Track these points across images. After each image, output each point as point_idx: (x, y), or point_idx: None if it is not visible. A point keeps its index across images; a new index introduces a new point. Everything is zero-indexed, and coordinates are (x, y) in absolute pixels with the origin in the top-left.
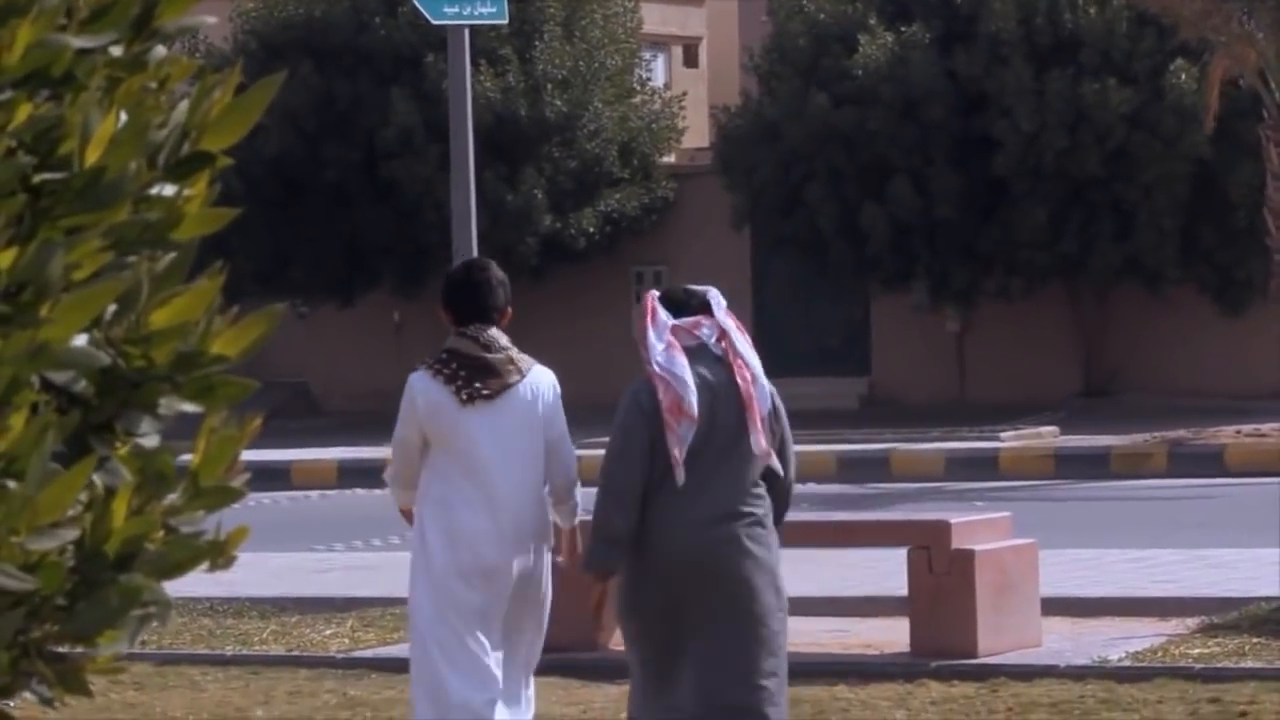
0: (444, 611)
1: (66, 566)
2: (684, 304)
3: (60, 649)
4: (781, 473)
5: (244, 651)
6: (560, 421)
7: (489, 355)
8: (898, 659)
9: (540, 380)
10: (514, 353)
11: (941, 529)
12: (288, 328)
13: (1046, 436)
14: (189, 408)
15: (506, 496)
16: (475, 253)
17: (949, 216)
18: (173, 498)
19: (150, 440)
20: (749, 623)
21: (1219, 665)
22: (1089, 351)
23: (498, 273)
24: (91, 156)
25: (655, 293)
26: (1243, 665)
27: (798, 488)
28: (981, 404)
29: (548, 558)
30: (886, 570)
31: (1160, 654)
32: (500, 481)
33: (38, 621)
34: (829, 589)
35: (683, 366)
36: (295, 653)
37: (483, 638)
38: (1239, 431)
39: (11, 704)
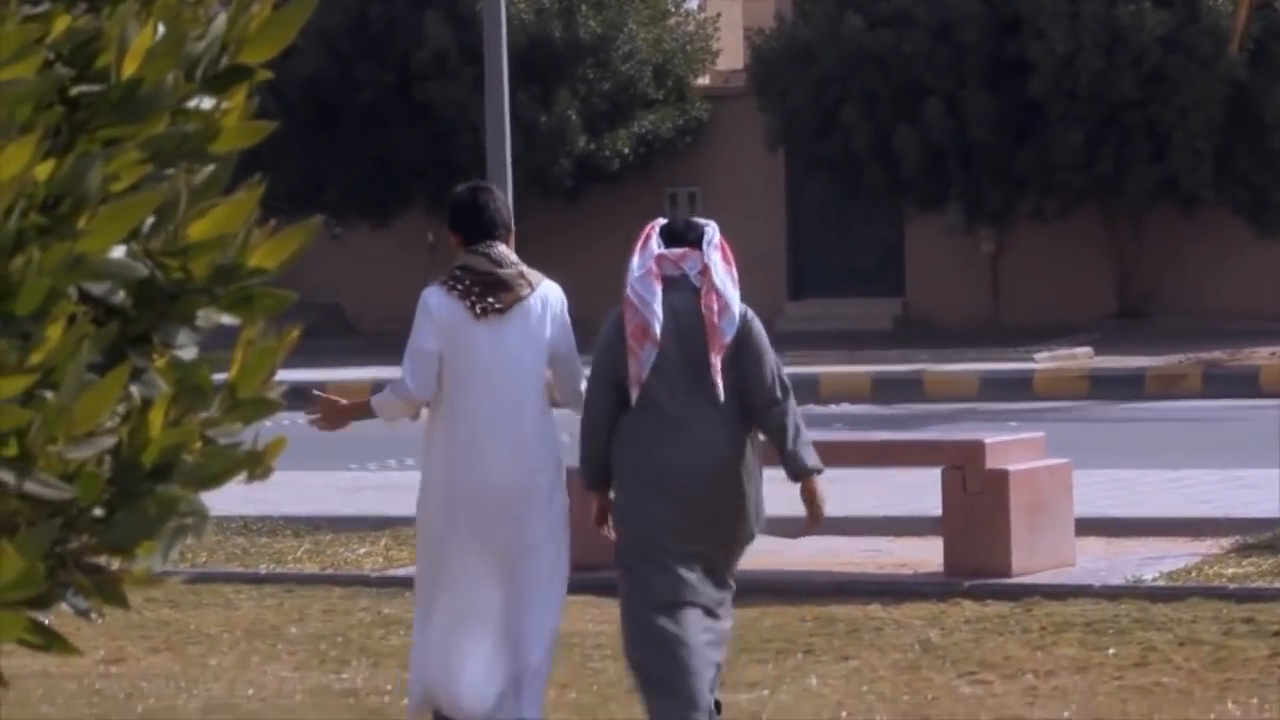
0: (453, 518)
1: (104, 477)
2: (682, 236)
3: (97, 560)
4: (751, 396)
5: (278, 570)
6: (568, 337)
7: (500, 271)
8: (932, 578)
9: (549, 294)
10: (523, 268)
11: (976, 449)
12: (322, 249)
13: (1081, 358)
14: (226, 320)
15: (516, 406)
16: (510, 174)
17: (983, 139)
18: (210, 410)
19: (188, 352)
20: (720, 527)
21: (1253, 585)
22: (1123, 273)
23: (500, 193)
24: (129, 69)
25: (659, 221)
26: (1277, 585)
27: (831, 408)
28: (1016, 325)
29: (560, 470)
30: (921, 490)
31: (1194, 574)
32: (510, 392)
33: (75, 532)
34: (863, 509)
35: (654, 294)
36: (329, 571)
37: (484, 547)
38: (1274, 353)
39: (49, 615)
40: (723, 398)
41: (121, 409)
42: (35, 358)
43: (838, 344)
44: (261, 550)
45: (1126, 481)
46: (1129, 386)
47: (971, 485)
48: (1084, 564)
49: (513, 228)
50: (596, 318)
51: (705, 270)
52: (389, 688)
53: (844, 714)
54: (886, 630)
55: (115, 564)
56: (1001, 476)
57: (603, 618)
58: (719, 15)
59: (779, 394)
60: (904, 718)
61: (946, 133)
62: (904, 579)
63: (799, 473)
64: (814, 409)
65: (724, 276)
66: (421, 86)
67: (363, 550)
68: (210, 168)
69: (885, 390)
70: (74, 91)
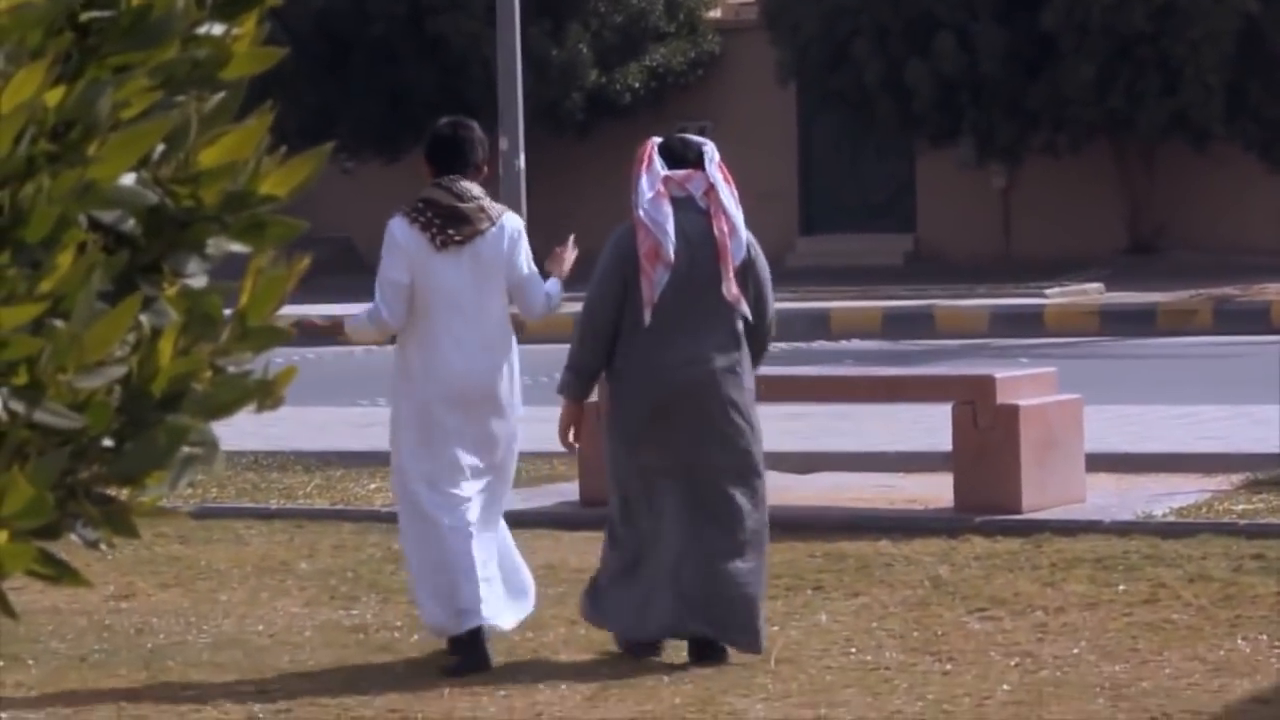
0: (427, 434)
1: (113, 406)
2: (681, 156)
3: (107, 491)
4: (752, 319)
5: (288, 505)
6: (528, 260)
7: (461, 204)
8: (942, 514)
9: (509, 224)
10: (485, 201)
11: (986, 384)
12: (332, 183)
13: (1092, 293)
14: (237, 248)
15: (477, 333)
16: (521, 108)
17: (995, 73)
18: (220, 339)
19: (198, 281)
20: (720, 459)
21: (1263, 521)
22: (1135, 208)
23: (480, 133)
24: None
25: (655, 140)
26: None
27: (842, 343)
28: (1027, 260)
29: (517, 387)
30: (931, 426)
31: (1204, 510)
32: (471, 319)
33: (84, 462)
34: (874, 444)
35: (666, 215)
36: (339, 506)
37: (460, 459)
38: None
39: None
40: (745, 311)
41: (131, 338)
42: (45, 286)
43: (849, 279)
44: (272, 485)
45: (1137, 417)
46: (1140, 322)
47: (982, 421)
48: (1094, 500)
49: (484, 168)
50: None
51: (711, 190)
52: (399, 623)
53: (853, 650)
54: (896, 566)
55: (124, 494)
56: (1012, 412)
57: None
58: None
59: (773, 320)
60: (913, 654)
61: (958, 67)
62: (914, 515)
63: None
64: (825, 344)
65: (729, 197)
66: (433, 20)
67: (373, 486)
68: (221, 95)
69: (896, 325)
70: (84, 17)
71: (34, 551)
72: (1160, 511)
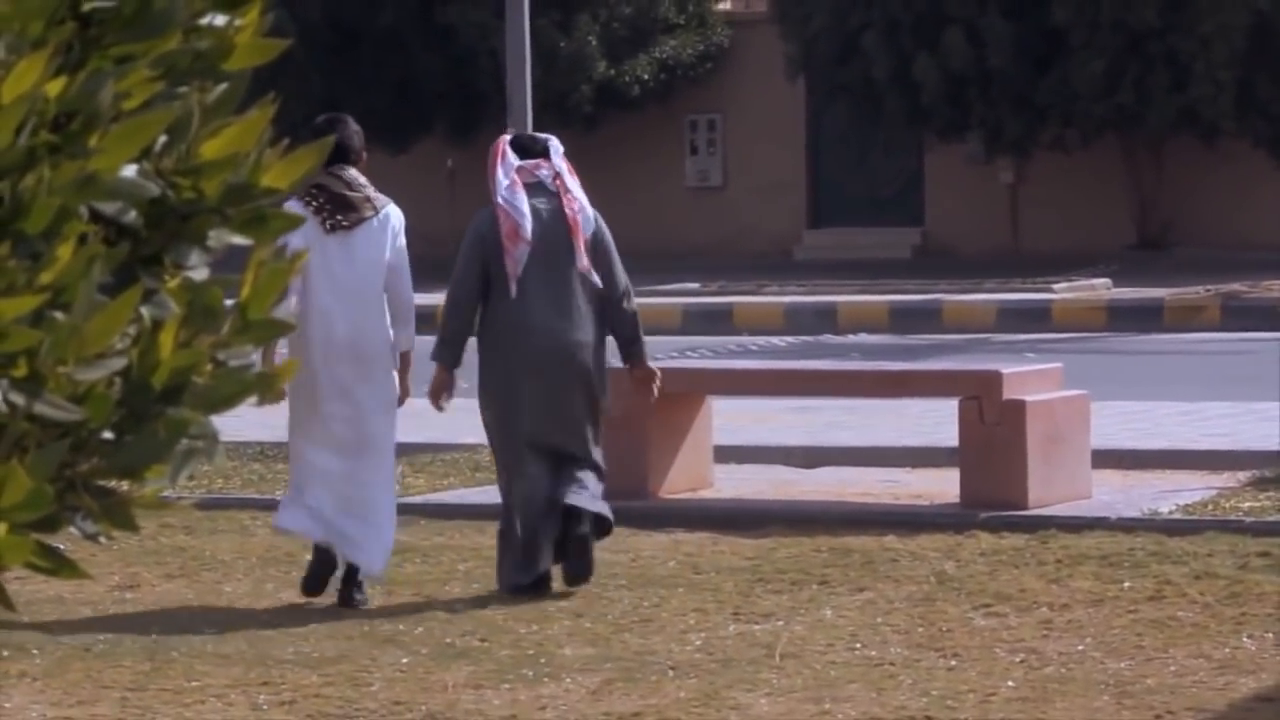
0: (312, 406)
1: (113, 399)
2: (529, 148)
3: (107, 484)
4: (605, 287)
5: None
6: (403, 254)
7: (350, 193)
8: (947, 510)
9: (391, 215)
10: (370, 192)
11: (993, 379)
12: None
13: (1099, 289)
14: (239, 240)
15: (359, 314)
16: (529, 100)
17: (1004, 67)
18: (221, 331)
19: (199, 273)
20: (574, 410)
21: (1269, 519)
22: (1143, 203)
23: (354, 125)
24: None
25: (506, 136)
26: None
27: (849, 337)
28: (1034, 255)
29: (394, 373)
30: (938, 421)
31: (1210, 507)
32: (354, 301)
33: (84, 455)
34: (880, 439)
35: (522, 199)
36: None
37: (334, 415)
38: None
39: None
40: (596, 280)
41: (132, 330)
42: (45, 277)
43: (856, 273)
44: (277, 476)
45: (1144, 413)
46: (1147, 318)
47: (988, 416)
48: (1100, 496)
49: (363, 155)
50: (620, 243)
51: (558, 176)
52: (404, 615)
53: (858, 645)
54: (902, 562)
55: (124, 487)
56: (1019, 407)
57: (618, 547)
58: None
59: (627, 287)
60: (918, 649)
61: (967, 61)
62: (920, 510)
63: (638, 357)
64: (832, 338)
65: (574, 181)
66: (442, 10)
67: None
68: (223, 86)
69: (903, 320)
70: (86, 7)
71: (33, 544)
72: (1166, 508)
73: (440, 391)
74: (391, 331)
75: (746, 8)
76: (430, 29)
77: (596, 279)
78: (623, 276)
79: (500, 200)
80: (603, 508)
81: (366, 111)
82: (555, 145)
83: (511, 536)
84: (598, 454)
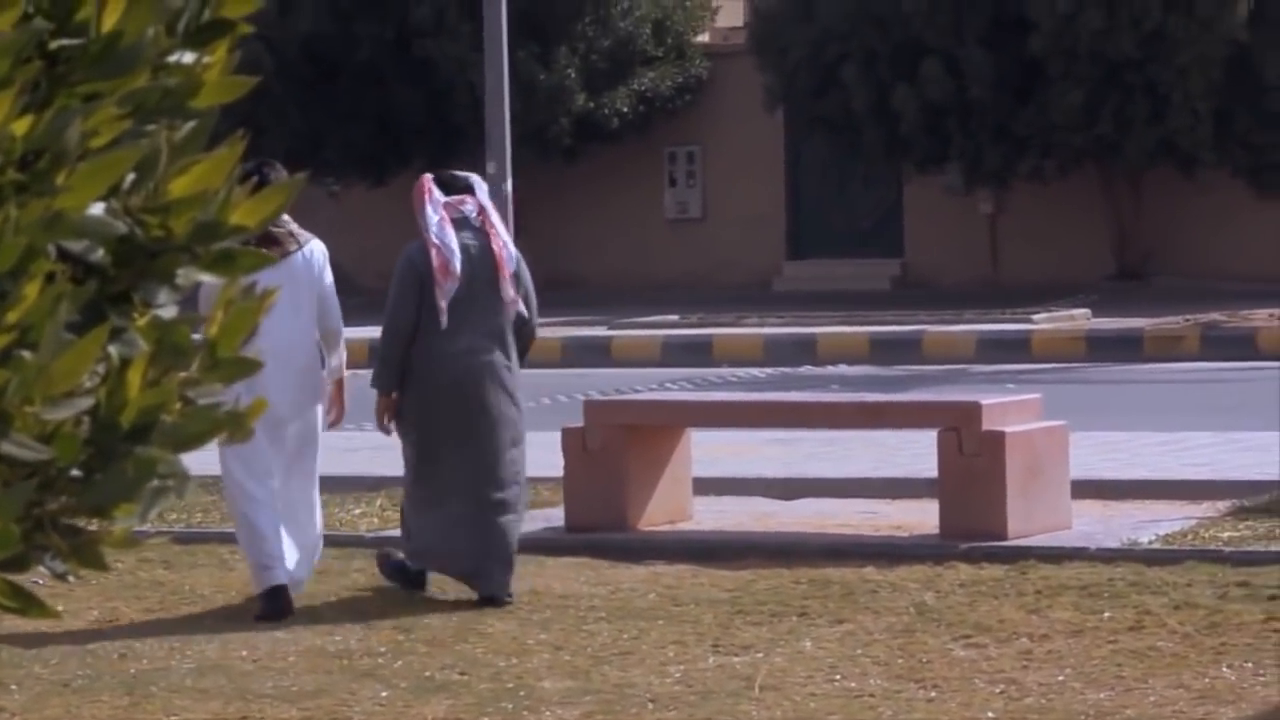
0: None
1: (81, 438)
2: (451, 185)
3: (75, 523)
4: (527, 316)
5: None
6: (330, 283)
7: (274, 229)
8: (927, 541)
9: (315, 250)
10: (294, 228)
11: (972, 410)
12: (320, 207)
13: (1079, 319)
14: (207, 278)
15: (289, 348)
16: (508, 133)
17: (983, 98)
18: (190, 369)
19: (167, 311)
20: (497, 429)
21: (1249, 549)
22: (1122, 234)
23: (281, 169)
24: (108, 22)
25: (428, 176)
26: (1273, 549)
27: (829, 369)
28: (1014, 286)
29: (319, 407)
30: (916, 452)
31: (1190, 537)
32: (283, 335)
33: (52, 494)
34: (859, 470)
35: (451, 236)
36: (324, 531)
37: (269, 463)
38: (1272, 315)
39: (32, 578)
40: (522, 310)
41: (100, 369)
42: (12, 316)
43: (835, 304)
44: None
45: (1123, 444)
46: (1127, 348)
47: (968, 447)
48: (1080, 527)
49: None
50: (596, 277)
51: (482, 211)
52: (383, 649)
53: (838, 677)
54: (881, 593)
55: (94, 526)
56: (998, 438)
57: (598, 580)
58: None
59: (535, 322)
60: (898, 680)
61: (946, 92)
62: (899, 541)
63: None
64: (811, 369)
65: (498, 217)
66: (420, 44)
67: (357, 511)
68: (191, 123)
69: (883, 351)
70: (53, 45)
71: (1, 584)
72: (1146, 538)
73: (384, 414)
74: (324, 358)
75: (725, 40)
76: (408, 62)
77: (524, 309)
78: (533, 307)
79: (432, 236)
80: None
81: (345, 145)
82: (479, 182)
83: (420, 528)
84: (520, 482)
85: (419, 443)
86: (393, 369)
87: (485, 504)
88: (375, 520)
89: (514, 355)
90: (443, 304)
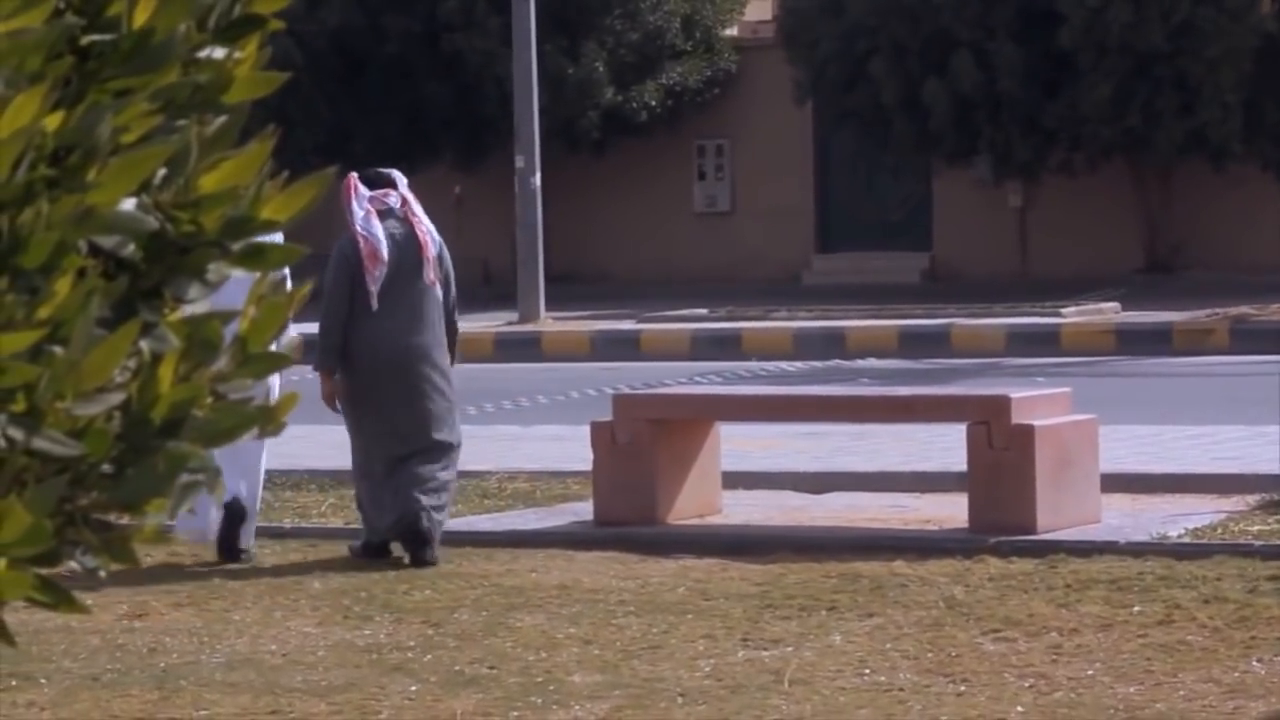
0: None
1: (113, 433)
2: (376, 181)
3: (106, 518)
4: (447, 300)
5: (302, 524)
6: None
7: None
8: (956, 535)
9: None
10: None
11: (1001, 404)
12: None
13: (1108, 312)
14: (238, 273)
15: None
16: (537, 126)
17: (1012, 91)
18: (220, 364)
19: (199, 306)
20: (429, 402)
21: (1278, 542)
22: (1152, 227)
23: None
24: (140, 18)
25: (354, 174)
26: None
27: (858, 362)
28: (1043, 279)
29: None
30: (946, 446)
31: (1220, 531)
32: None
33: (83, 489)
34: (888, 464)
35: (378, 227)
36: (353, 525)
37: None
38: None
39: (64, 571)
40: (440, 295)
41: (131, 364)
42: (43, 312)
43: (865, 298)
44: (285, 504)
45: (1153, 437)
46: (1156, 341)
47: (997, 441)
48: (1109, 520)
49: None
50: (624, 270)
51: (405, 203)
52: (412, 643)
53: (867, 671)
54: (911, 587)
55: (124, 521)
56: (1027, 432)
57: (626, 573)
58: None
59: (455, 303)
60: (927, 675)
61: (975, 85)
62: (929, 535)
63: (452, 357)
64: (841, 363)
65: (419, 207)
66: (449, 38)
67: None
68: (222, 119)
69: (912, 344)
70: (85, 41)
71: (32, 578)
72: (1175, 532)
73: (330, 396)
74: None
75: (754, 33)
76: (437, 57)
77: (439, 292)
78: (454, 290)
79: (359, 229)
80: (440, 524)
81: (374, 139)
82: (400, 178)
83: (369, 525)
84: (454, 446)
85: (361, 418)
86: (332, 351)
87: (421, 470)
88: None
89: (443, 333)
90: (372, 289)
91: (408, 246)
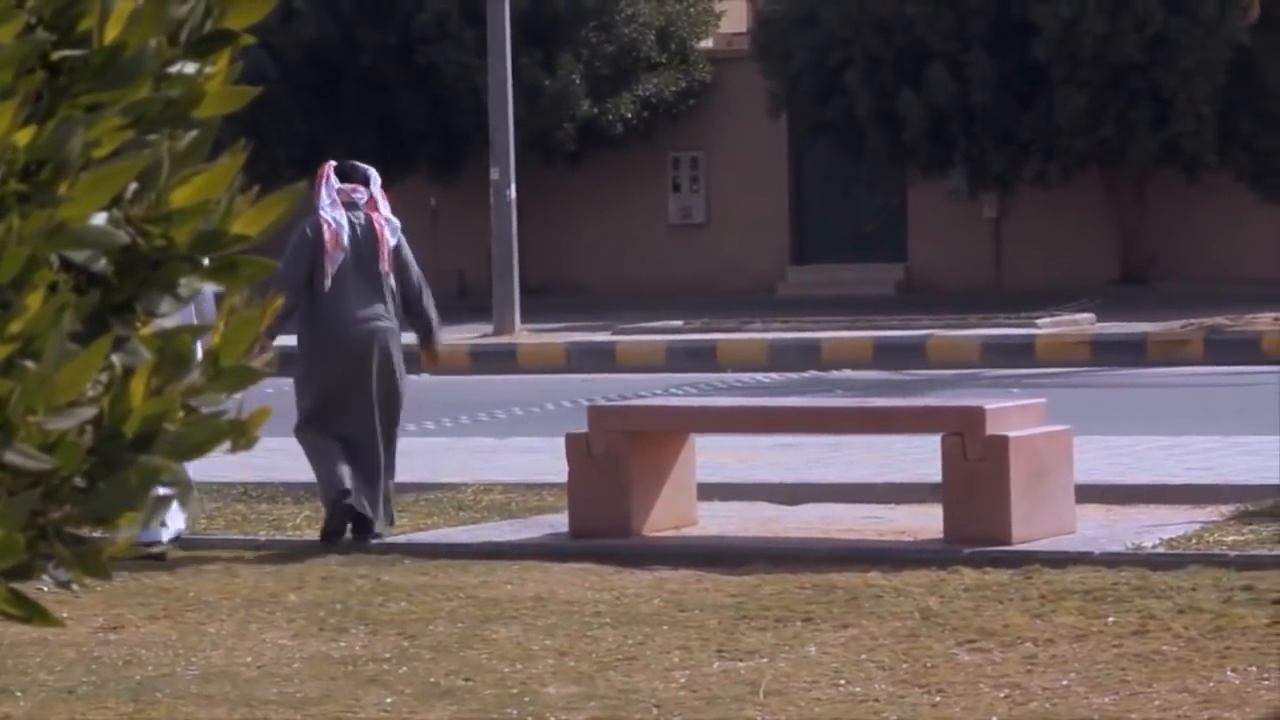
0: None
1: (85, 447)
2: (350, 174)
3: (78, 531)
4: (405, 289)
5: (277, 536)
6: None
7: None
8: (931, 546)
9: None
10: None
11: (976, 415)
12: None
13: (1083, 323)
14: (209, 287)
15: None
16: (512, 138)
17: (987, 102)
18: (192, 378)
19: (170, 320)
20: (384, 380)
21: (1253, 553)
22: (1126, 238)
23: None
24: (111, 33)
25: (330, 163)
26: (1277, 552)
27: (833, 373)
28: (1018, 290)
29: None
30: (921, 457)
31: (1194, 541)
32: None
33: (55, 503)
34: (863, 475)
35: (341, 215)
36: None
37: None
38: (1276, 319)
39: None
40: (392, 285)
41: (103, 378)
42: (15, 327)
43: (839, 309)
44: (261, 517)
45: (1127, 448)
46: (1131, 352)
47: (971, 452)
48: (1084, 531)
49: None
50: (600, 282)
51: (370, 199)
52: (387, 655)
53: (843, 682)
54: (886, 598)
55: (97, 534)
56: (1001, 443)
57: (602, 585)
58: None
59: (424, 289)
60: (903, 685)
61: (949, 96)
62: (904, 546)
63: (431, 344)
64: (816, 374)
65: (385, 204)
66: (423, 50)
67: None
68: (193, 133)
69: (887, 356)
70: (56, 56)
71: (4, 592)
72: (1150, 543)
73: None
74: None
75: (728, 45)
76: (412, 68)
77: (392, 282)
78: (417, 279)
79: (324, 214)
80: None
81: (349, 151)
82: (373, 174)
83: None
84: (396, 424)
85: (320, 392)
86: (276, 328)
87: (369, 444)
88: (379, 526)
89: (396, 320)
90: (329, 269)
91: (366, 236)
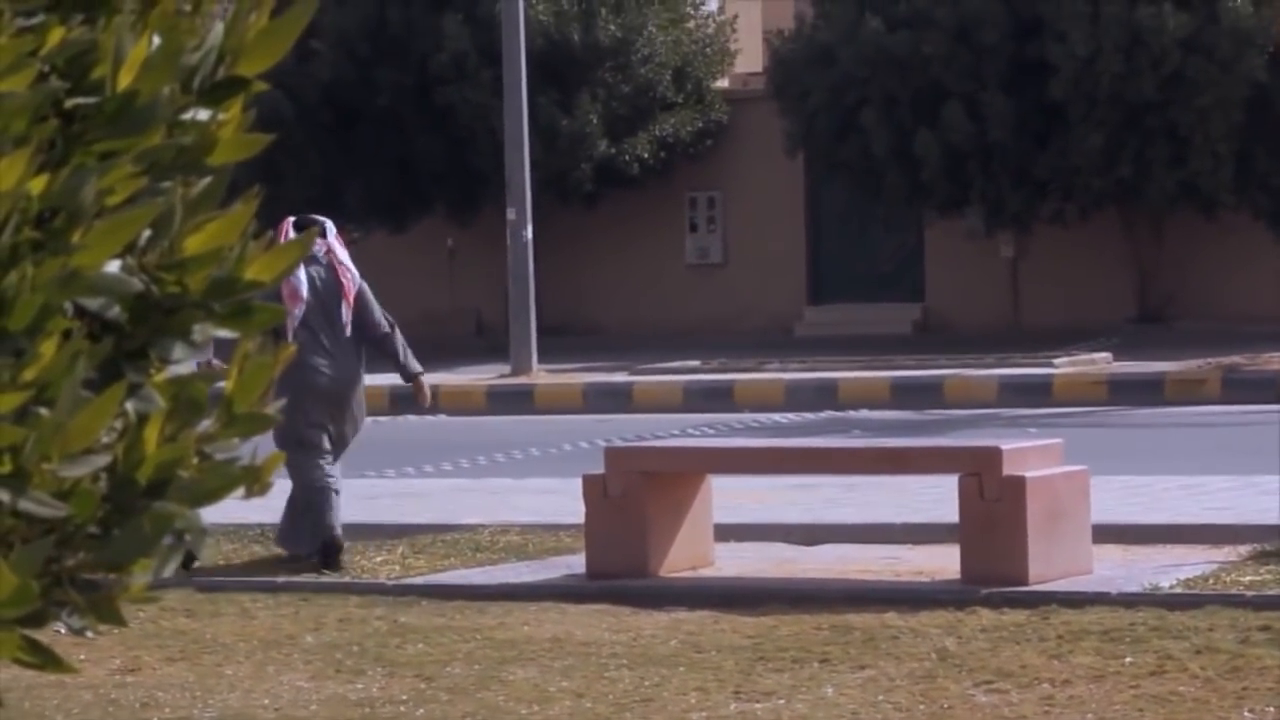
0: None
1: (99, 494)
2: (306, 227)
3: (93, 578)
4: (372, 330)
5: (294, 579)
6: None
7: None
8: (948, 586)
9: None
10: None
11: (993, 455)
12: None
13: (1100, 363)
14: (223, 333)
15: None
16: (528, 178)
17: (1003, 142)
18: (206, 424)
19: (184, 367)
20: (349, 424)
21: (1270, 593)
22: (1143, 277)
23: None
24: (124, 81)
25: (290, 219)
26: None
27: (850, 413)
28: (1035, 330)
29: None
30: (938, 497)
31: (1212, 581)
32: None
33: (70, 550)
34: (880, 516)
35: (300, 269)
36: (346, 579)
37: None
38: None
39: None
40: (349, 332)
41: (117, 425)
42: (29, 374)
43: (857, 349)
44: (278, 558)
45: (1144, 488)
46: (1148, 392)
47: (988, 492)
48: (1101, 571)
49: None
50: (617, 323)
51: (330, 250)
52: (404, 697)
53: None
54: (903, 639)
55: (111, 581)
56: (1019, 483)
57: (619, 626)
58: (737, 17)
59: (387, 328)
60: None
61: (966, 136)
62: (921, 587)
63: (411, 376)
64: (833, 414)
65: (344, 252)
66: (440, 90)
67: (379, 558)
68: (206, 180)
69: (904, 395)
70: (69, 104)
71: (19, 640)
72: (1167, 583)
73: None
74: None
75: (744, 85)
76: (429, 109)
77: (349, 328)
78: (379, 320)
79: None
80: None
81: (366, 192)
82: (329, 225)
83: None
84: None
85: (298, 439)
86: None
87: (335, 485)
88: (397, 568)
89: (360, 367)
90: (291, 325)
91: (329, 287)
